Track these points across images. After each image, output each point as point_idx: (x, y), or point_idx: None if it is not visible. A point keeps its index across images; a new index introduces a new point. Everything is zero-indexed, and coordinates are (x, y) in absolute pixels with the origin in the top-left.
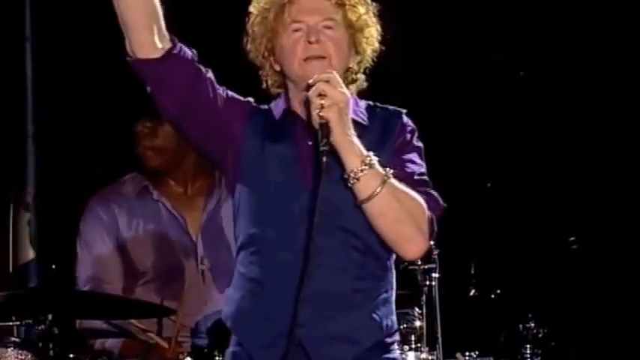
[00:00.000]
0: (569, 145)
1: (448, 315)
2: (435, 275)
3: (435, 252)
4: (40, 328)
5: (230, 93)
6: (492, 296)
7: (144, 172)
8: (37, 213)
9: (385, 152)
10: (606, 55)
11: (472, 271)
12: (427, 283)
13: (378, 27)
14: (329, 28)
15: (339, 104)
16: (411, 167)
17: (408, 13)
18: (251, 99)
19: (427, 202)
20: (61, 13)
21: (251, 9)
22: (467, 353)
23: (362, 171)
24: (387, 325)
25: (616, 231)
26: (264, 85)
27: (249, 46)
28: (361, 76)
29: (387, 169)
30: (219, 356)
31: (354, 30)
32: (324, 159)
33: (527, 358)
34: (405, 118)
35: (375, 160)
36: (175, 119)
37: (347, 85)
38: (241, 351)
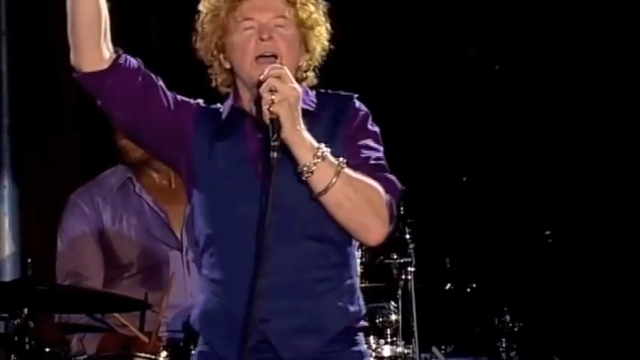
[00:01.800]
0: (544, 139)
1: (424, 309)
2: (411, 269)
3: (411, 246)
4: (16, 322)
5: (179, 97)
6: (468, 290)
7: (126, 164)
8: (12, 207)
9: (338, 139)
10: (580, 49)
11: (448, 265)
12: (403, 276)
13: (328, 25)
14: (280, 26)
15: (290, 99)
16: (366, 153)
17: (383, 10)
18: (200, 100)
19: (385, 187)
20: (37, 7)
21: (200, 7)
22: (443, 347)
23: (315, 164)
24: (354, 311)
25: (591, 225)
26: (214, 84)
27: (198, 44)
28: (311, 74)
29: (341, 158)
30: (194, 350)
31: (304, 28)
32: (275, 154)
33: (503, 351)
34: (357, 103)
35: (327, 151)
36: (128, 128)
37: (297, 82)
38: (208, 350)
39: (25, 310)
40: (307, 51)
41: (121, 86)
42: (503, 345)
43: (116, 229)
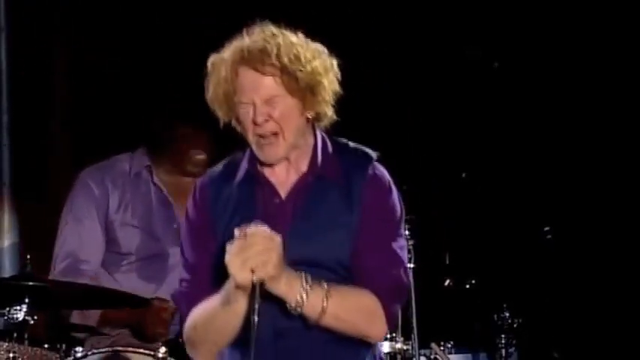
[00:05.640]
0: (543, 135)
1: (423, 305)
2: (410, 266)
3: (410, 242)
4: (15, 317)
5: (203, 238)
6: (467, 286)
7: (149, 153)
8: (11, 204)
9: (350, 211)
10: (580, 47)
11: (447, 262)
12: None
13: (335, 69)
14: (274, 102)
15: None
16: (384, 235)
17: (382, 7)
18: (200, 182)
19: (388, 290)
20: (36, 3)
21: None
22: (442, 343)
23: (303, 300)
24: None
25: (591, 221)
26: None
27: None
28: (330, 112)
29: (323, 283)
30: None
31: (302, 93)
32: (256, 318)
33: (502, 348)
34: (378, 168)
35: (308, 280)
36: None
37: (317, 123)
38: None
39: (24, 306)
40: (316, 98)
41: None
42: (503, 341)
43: (120, 216)
